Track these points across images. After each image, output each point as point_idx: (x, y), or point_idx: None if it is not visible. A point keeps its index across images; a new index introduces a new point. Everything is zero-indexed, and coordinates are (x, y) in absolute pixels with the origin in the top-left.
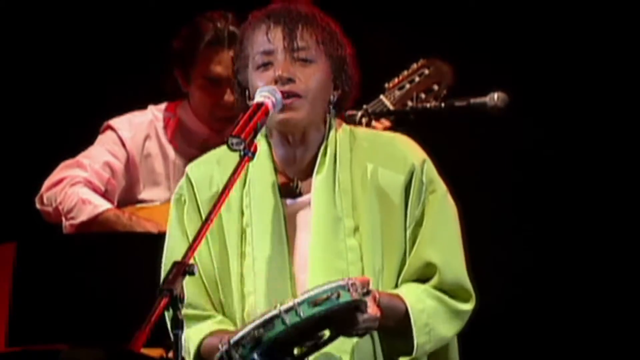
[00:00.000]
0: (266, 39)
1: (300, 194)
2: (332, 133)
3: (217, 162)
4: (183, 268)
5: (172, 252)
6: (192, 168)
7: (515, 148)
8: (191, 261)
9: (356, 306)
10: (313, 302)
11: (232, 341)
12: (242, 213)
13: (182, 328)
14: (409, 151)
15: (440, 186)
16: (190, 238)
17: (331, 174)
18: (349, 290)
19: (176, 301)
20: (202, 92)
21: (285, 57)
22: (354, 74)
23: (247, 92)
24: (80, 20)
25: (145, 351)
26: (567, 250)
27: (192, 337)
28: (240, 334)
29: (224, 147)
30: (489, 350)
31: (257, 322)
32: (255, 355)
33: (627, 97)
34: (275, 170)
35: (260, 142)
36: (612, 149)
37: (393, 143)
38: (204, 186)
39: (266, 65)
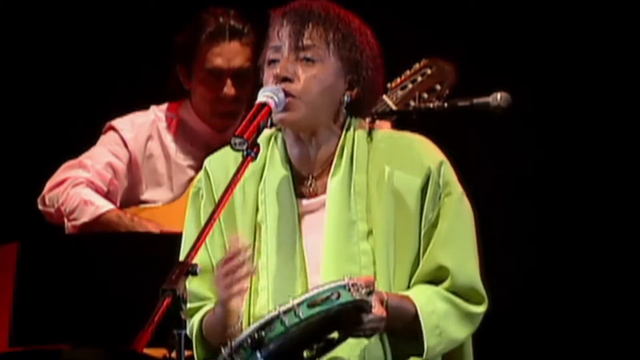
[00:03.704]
0: (277, 36)
1: (315, 194)
2: (349, 134)
3: (235, 157)
4: (186, 268)
5: (187, 246)
6: (211, 161)
7: (517, 148)
8: (194, 261)
9: (360, 306)
10: (312, 302)
11: (234, 345)
12: (257, 209)
13: (185, 328)
14: (427, 153)
15: (457, 189)
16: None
17: (347, 176)
18: (349, 290)
19: (179, 301)
20: (203, 86)
21: (289, 55)
22: (375, 76)
23: None
24: (82, 21)
25: (148, 351)
26: (580, 253)
27: (194, 322)
28: (241, 337)
29: None
30: (502, 352)
31: (257, 324)
32: (260, 358)
33: (631, 96)
34: (291, 169)
35: (277, 140)
36: (617, 150)
37: (411, 145)
38: (221, 180)
39: (274, 62)
